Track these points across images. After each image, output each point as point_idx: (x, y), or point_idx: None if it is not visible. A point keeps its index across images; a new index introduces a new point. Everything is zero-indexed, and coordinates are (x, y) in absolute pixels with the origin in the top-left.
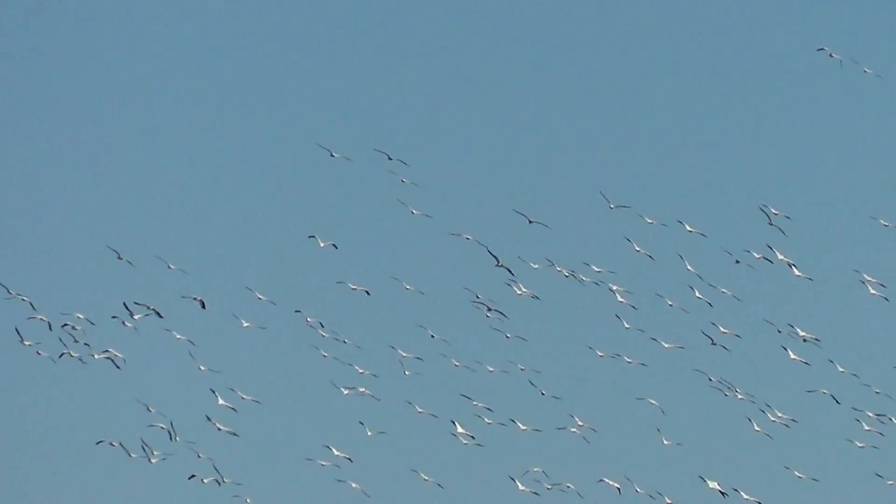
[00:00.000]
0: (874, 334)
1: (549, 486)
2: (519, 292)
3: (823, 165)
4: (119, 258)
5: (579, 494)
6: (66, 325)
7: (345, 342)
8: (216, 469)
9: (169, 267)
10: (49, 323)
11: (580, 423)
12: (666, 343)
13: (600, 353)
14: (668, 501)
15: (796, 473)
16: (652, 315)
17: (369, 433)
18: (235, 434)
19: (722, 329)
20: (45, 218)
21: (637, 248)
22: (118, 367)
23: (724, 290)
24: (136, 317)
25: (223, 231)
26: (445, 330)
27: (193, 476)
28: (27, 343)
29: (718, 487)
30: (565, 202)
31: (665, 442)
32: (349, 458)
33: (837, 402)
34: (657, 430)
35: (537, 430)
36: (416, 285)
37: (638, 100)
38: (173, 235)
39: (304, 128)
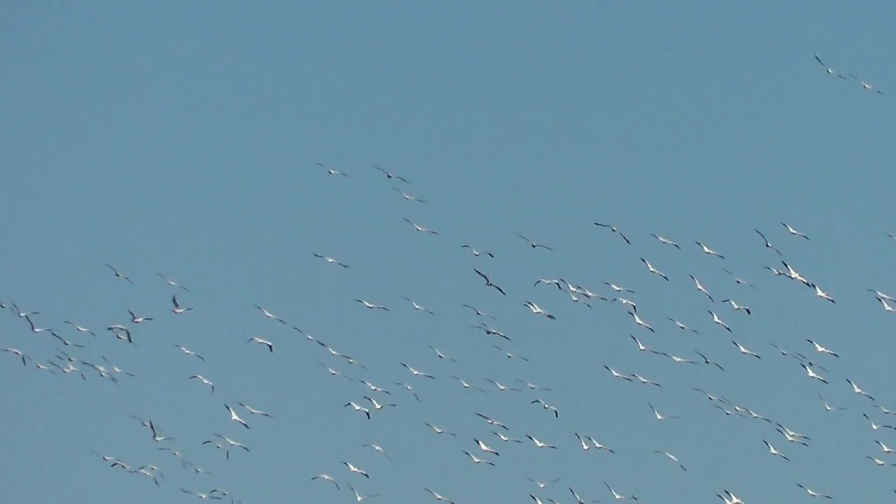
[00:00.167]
0: (891, 351)
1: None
2: (535, 311)
3: (835, 183)
4: (116, 275)
5: None
6: (59, 338)
7: (350, 362)
8: (228, 492)
9: (170, 284)
10: (62, 339)
11: (597, 445)
12: (677, 358)
13: (616, 374)
14: None
15: (810, 492)
16: (666, 336)
17: (378, 448)
18: (246, 448)
19: (743, 349)
20: (45, 233)
21: (651, 269)
22: (115, 380)
23: (736, 305)
24: (137, 320)
25: (232, 249)
26: (454, 349)
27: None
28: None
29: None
30: (577, 221)
31: (673, 459)
32: (366, 475)
33: (864, 416)
34: (670, 455)
35: (553, 447)
36: (423, 303)
37: (653, 120)
38: (180, 253)
39: (310, 145)
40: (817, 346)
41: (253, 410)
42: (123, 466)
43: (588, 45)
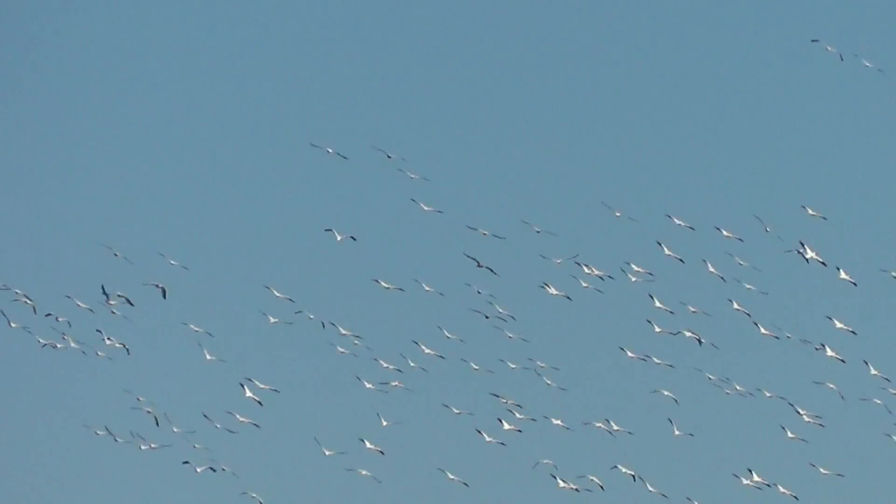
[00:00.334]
0: None
1: (566, 483)
2: (553, 292)
3: (851, 166)
4: (115, 255)
5: (602, 487)
6: (49, 314)
7: (356, 343)
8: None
9: (171, 263)
10: (67, 320)
11: (615, 428)
12: (688, 333)
13: (631, 354)
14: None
15: (822, 470)
16: (684, 316)
17: (385, 423)
18: (256, 425)
19: (763, 330)
20: (48, 214)
21: (668, 252)
22: (110, 359)
23: (750, 287)
24: (111, 302)
25: (241, 229)
26: (461, 330)
27: (187, 462)
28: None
29: (759, 480)
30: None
31: (677, 433)
32: (381, 451)
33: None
34: (685, 433)
35: (567, 427)
36: (431, 284)
37: (666, 101)
38: (190, 233)
39: (316, 123)
40: (836, 322)
41: (262, 385)
42: (116, 438)
43: (602, 24)
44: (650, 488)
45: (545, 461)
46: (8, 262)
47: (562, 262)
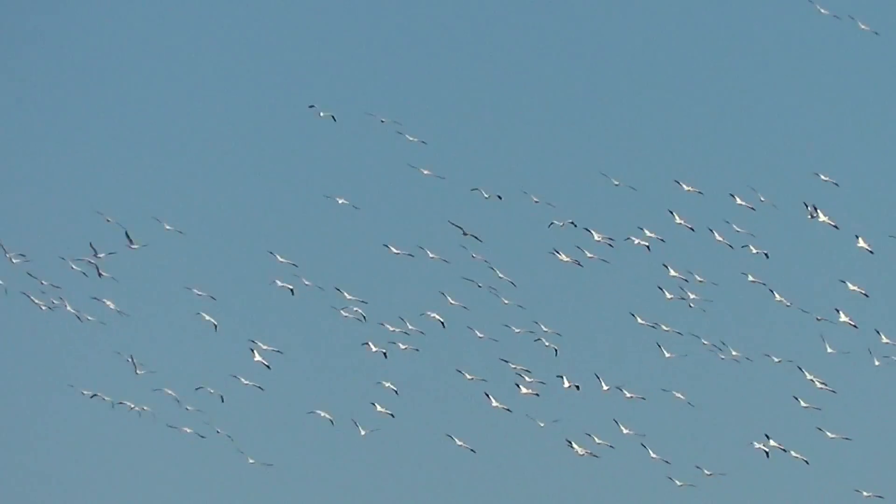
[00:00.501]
0: None
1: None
2: (564, 259)
3: (864, 133)
4: (107, 221)
5: (611, 446)
6: (33, 276)
7: (358, 311)
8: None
9: (166, 228)
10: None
11: (627, 395)
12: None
13: (641, 321)
14: (708, 473)
15: (828, 434)
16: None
17: (386, 384)
18: (260, 388)
19: (778, 297)
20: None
21: (678, 220)
22: (103, 323)
23: (754, 249)
24: (100, 255)
25: (243, 195)
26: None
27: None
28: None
29: (774, 446)
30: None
31: (680, 397)
32: (391, 414)
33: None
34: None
35: (577, 386)
36: (436, 250)
37: (674, 68)
38: (193, 199)
39: (316, 87)
40: (849, 284)
41: (265, 346)
42: (104, 399)
43: None
44: (653, 455)
45: (545, 422)
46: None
47: (564, 225)
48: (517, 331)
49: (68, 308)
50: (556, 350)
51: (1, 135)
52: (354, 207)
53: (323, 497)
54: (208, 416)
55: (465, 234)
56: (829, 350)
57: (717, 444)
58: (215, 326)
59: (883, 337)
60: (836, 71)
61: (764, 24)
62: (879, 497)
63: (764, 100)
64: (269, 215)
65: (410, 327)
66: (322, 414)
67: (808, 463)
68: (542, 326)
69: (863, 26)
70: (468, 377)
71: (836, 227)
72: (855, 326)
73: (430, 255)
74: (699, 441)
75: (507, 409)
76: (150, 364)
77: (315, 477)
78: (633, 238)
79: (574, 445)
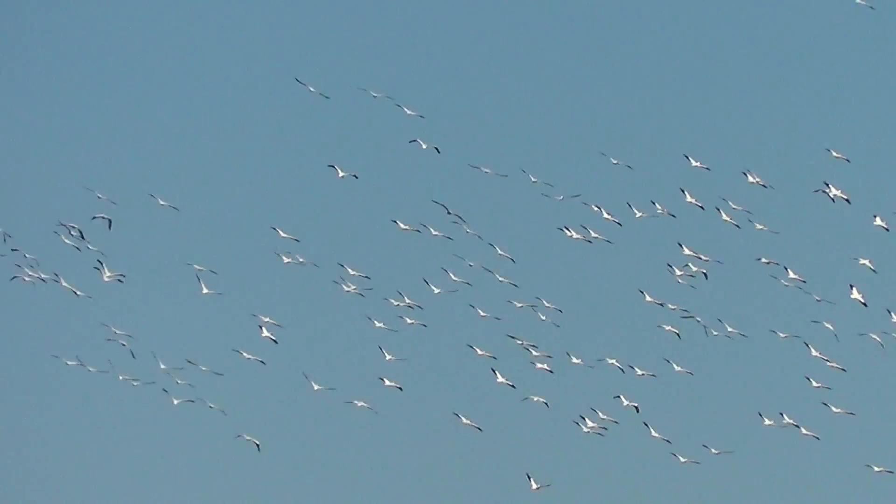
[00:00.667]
0: None
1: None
2: (575, 236)
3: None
4: (99, 198)
5: (615, 422)
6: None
7: (359, 290)
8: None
9: (160, 204)
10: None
11: (639, 372)
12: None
13: (649, 299)
14: (715, 452)
15: (833, 409)
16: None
17: (388, 357)
18: (262, 362)
19: (791, 274)
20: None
21: (689, 199)
22: (88, 297)
23: (760, 227)
24: (95, 219)
25: (244, 170)
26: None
27: (166, 391)
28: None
29: (788, 422)
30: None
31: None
32: (399, 388)
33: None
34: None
35: (591, 365)
36: (438, 227)
37: (683, 42)
38: (196, 175)
39: (312, 61)
40: (861, 259)
41: (266, 318)
42: (89, 369)
43: None
44: (654, 434)
45: (535, 398)
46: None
47: (563, 199)
48: (519, 305)
49: (63, 283)
50: (556, 325)
51: None
52: (354, 177)
53: (327, 476)
54: (202, 390)
55: (448, 212)
56: (828, 326)
57: (724, 421)
58: (217, 296)
59: (894, 316)
60: (847, 46)
61: None
62: (890, 472)
63: (772, 76)
64: (269, 190)
65: (409, 301)
66: (317, 386)
67: (818, 439)
68: (545, 302)
69: (860, 1)
70: (479, 352)
71: (848, 200)
72: (865, 305)
73: (434, 233)
74: (706, 419)
75: (512, 385)
76: (147, 340)
77: (318, 455)
78: (637, 211)
79: (582, 423)
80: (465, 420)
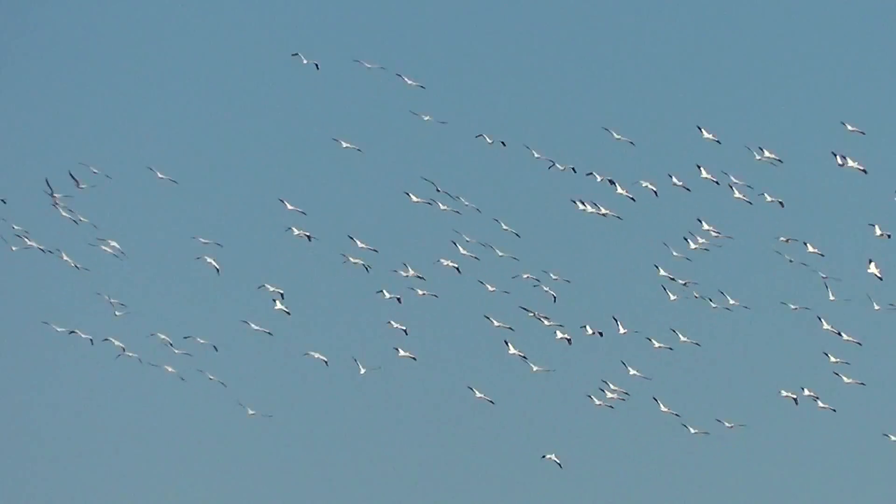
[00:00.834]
0: None
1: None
2: (588, 210)
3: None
4: (94, 173)
5: (626, 394)
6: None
7: (375, 251)
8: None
9: (159, 177)
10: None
11: (656, 344)
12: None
13: (662, 273)
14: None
15: (844, 379)
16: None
17: (394, 324)
18: (269, 333)
19: (811, 248)
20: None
21: (704, 175)
22: (84, 268)
23: (769, 198)
24: (82, 186)
25: (248, 144)
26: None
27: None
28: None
29: (808, 395)
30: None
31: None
32: (413, 357)
33: None
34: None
35: (601, 332)
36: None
37: (696, 17)
38: (200, 149)
39: (319, 35)
40: (877, 229)
41: (271, 287)
42: (81, 335)
43: None
44: (664, 408)
45: (534, 367)
46: None
47: (565, 169)
48: (525, 276)
49: (65, 258)
50: (554, 297)
51: None
52: (358, 151)
53: (339, 446)
54: (204, 362)
55: (438, 190)
56: (832, 298)
57: (737, 395)
58: (217, 270)
59: None
60: (861, 19)
61: None
62: None
63: (788, 49)
64: (273, 162)
65: (413, 273)
66: (316, 356)
67: (835, 411)
68: (552, 275)
69: None
70: (495, 324)
71: (864, 171)
72: (880, 279)
73: (442, 207)
74: (719, 392)
75: (524, 357)
76: (147, 312)
77: (328, 427)
78: (643, 182)
79: (593, 398)
80: (478, 394)
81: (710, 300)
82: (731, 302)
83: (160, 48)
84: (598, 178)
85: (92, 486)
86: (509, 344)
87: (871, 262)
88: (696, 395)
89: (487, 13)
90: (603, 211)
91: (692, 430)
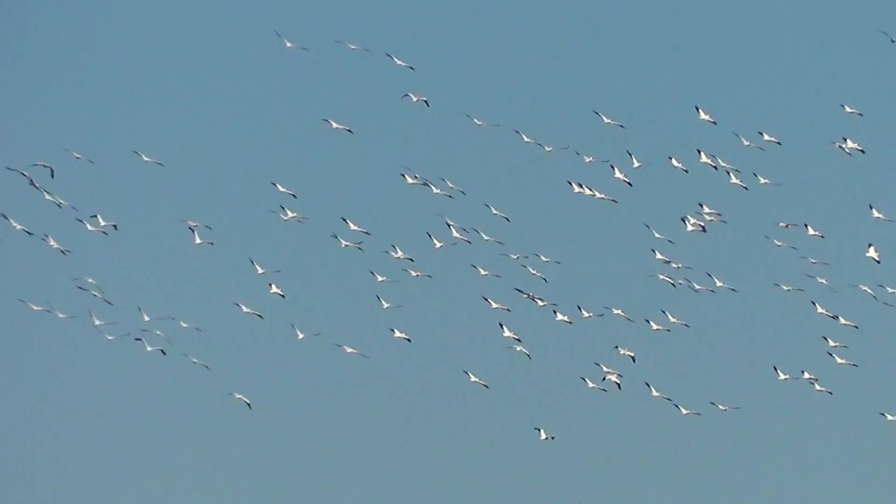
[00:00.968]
0: None
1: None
2: (585, 191)
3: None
4: (77, 158)
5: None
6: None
7: (368, 234)
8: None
9: (144, 160)
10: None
11: (654, 326)
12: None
13: (659, 256)
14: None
15: (837, 360)
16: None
17: (386, 305)
18: (260, 315)
19: (811, 231)
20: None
21: (704, 159)
22: (66, 251)
23: (763, 180)
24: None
25: (242, 125)
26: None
27: (139, 339)
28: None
29: (808, 377)
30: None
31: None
32: (408, 339)
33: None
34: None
35: (601, 315)
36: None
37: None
38: (193, 129)
39: (306, 16)
40: (874, 212)
41: (260, 270)
42: (53, 312)
43: None
44: (655, 392)
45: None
46: None
47: (552, 151)
48: (514, 257)
49: (52, 243)
50: (544, 279)
51: None
52: (349, 132)
53: (331, 431)
54: (188, 344)
55: (416, 177)
56: (821, 281)
57: (732, 378)
58: (210, 244)
59: None
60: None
61: None
62: None
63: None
64: (263, 145)
65: (403, 255)
66: (300, 334)
67: (831, 394)
68: (542, 257)
69: None
70: (493, 305)
71: (862, 151)
72: (878, 262)
73: (435, 191)
74: (713, 375)
75: (517, 339)
76: (131, 293)
77: (319, 411)
78: (635, 159)
79: (586, 380)
80: (473, 378)
81: (694, 283)
82: (719, 284)
83: (145, 31)
84: (588, 160)
85: (69, 468)
86: (504, 327)
87: (870, 245)
88: (690, 378)
89: None
90: (599, 195)
91: (684, 412)
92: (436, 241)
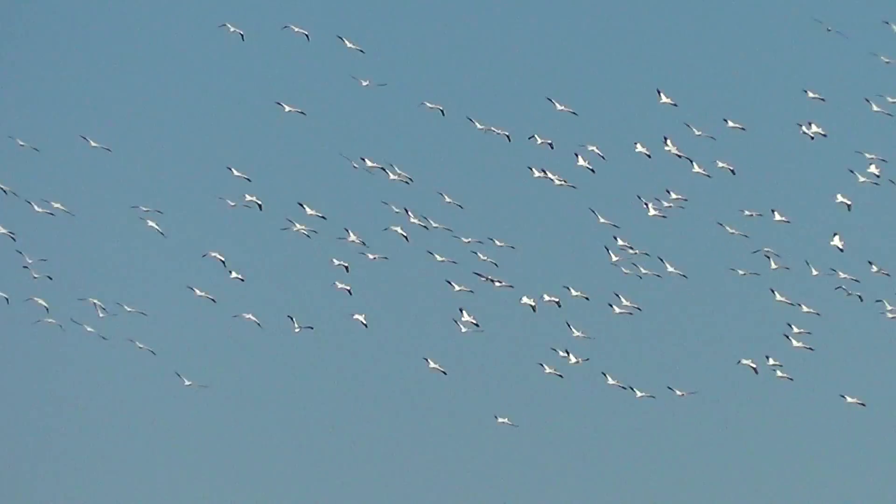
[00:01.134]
0: None
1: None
2: (559, 183)
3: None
4: (21, 145)
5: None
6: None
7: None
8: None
9: (107, 150)
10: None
11: (624, 303)
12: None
13: (621, 242)
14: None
15: (794, 343)
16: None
17: (346, 287)
18: (213, 300)
19: (778, 216)
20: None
21: (670, 148)
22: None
23: (721, 164)
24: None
25: (198, 110)
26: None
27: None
28: None
29: (772, 364)
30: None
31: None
32: (365, 324)
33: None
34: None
35: (586, 297)
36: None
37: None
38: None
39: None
40: (839, 196)
41: (213, 254)
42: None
43: None
44: (610, 380)
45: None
46: None
47: (543, 144)
48: (466, 241)
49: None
50: (495, 263)
51: None
52: (302, 114)
53: (287, 417)
54: (135, 329)
55: (354, 166)
56: (774, 266)
57: (690, 363)
58: (161, 234)
59: (873, 267)
60: None
61: None
62: (863, 405)
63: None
64: (216, 129)
65: (357, 239)
66: (248, 317)
67: (792, 380)
68: (497, 242)
69: None
70: (456, 288)
71: (824, 135)
72: (841, 250)
73: (392, 177)
74: (672, 360)
75: (476, 324)
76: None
77: (276, 398)
78: (592, 147)
79: (544, 365)
80: (432, 364)
81: (641, 267)
82: (670, 270)
83: (91, 15)
84: (542, 142)
85: (17, 460)
86: (464, 311)
87: (835, 235)
88: (647, 362)
89: None
90: (558, 182)
91: (638, 394)
92: (394, 227)
